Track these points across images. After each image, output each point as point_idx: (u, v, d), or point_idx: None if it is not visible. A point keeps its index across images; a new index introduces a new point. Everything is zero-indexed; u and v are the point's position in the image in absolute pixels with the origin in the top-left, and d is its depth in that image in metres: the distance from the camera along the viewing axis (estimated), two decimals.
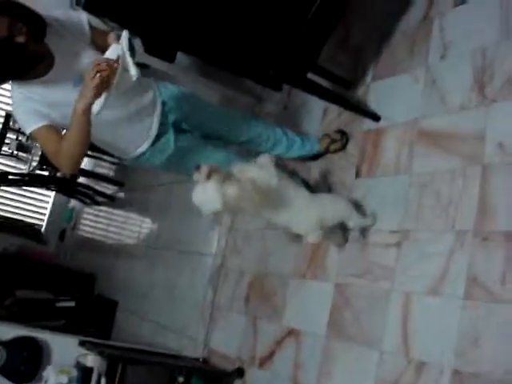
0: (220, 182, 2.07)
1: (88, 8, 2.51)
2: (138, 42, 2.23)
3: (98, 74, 1.97)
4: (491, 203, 1.97)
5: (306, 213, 2.31)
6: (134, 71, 2.05)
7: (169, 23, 2.43)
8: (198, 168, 2.10)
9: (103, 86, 2.00)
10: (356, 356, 2.35)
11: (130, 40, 2.08)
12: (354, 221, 2.41)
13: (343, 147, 2.75)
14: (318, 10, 2.26)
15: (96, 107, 2.04)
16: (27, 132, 2.27)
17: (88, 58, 2.25)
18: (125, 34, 2.07)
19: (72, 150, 2.18)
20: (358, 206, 2.46)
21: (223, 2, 2.54)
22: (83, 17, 2.37)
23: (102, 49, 2.21)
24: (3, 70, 2.17)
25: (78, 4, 2.47)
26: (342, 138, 2.74)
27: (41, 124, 2.22)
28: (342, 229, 2.49)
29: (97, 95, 2.01)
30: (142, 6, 2.39)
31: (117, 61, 2.03)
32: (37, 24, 2.17)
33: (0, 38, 2.06)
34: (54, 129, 2.24)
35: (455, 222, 2.08)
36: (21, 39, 2.10)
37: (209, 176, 2.08)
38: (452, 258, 2.05)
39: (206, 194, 2.09)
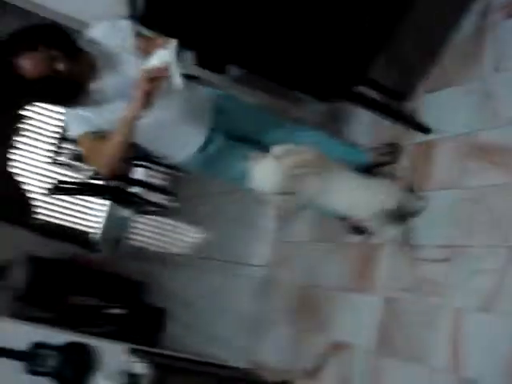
0: (276, 158, 2.06)
1: (144, 23, 2.57)
2: (186, 53, 2.26)
3: (149, 82, 2.02)
4: None
5: (365, 194, 2.28)
6: (179, 81, 2.05)
7: (222, 37, 2.47)
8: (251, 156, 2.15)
9: (154, 93, 2.05)
10: (405, 372, 2.31)
11: (177, 47, 2.10)
12: (411, 204, 2.35)
13: (394, 160, 2.71)
14: (370, 23, 2.26)
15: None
16: (74, 136, 2.37)
17: (133, 66, 2.29)
18: (174, 42, 2.08)
19: (113, 153, 2.24)
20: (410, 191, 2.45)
21: (273, 14, 2.57)
22: (126, 26, 2.42)
23: (146, 53, 2.23)
24: (57, 100, 2.29)
25: (133, 18, 2.53)
26: (393, 151, 2.71)
27: (86, 129, 2.30)
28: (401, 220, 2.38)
29: (147, 103, 2.06)
30: (196, 20, 2.43)
31: (165, 68, 2.05)
32: (68, 43, 2.25)
33: (43, 75, 2.15)
34: (99, 135, 2.30)
35: (508, 237, 2.03)
36: (60, 67, 2.18)
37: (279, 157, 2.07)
38: (505, 274, 1.99)
39: (266, 170, 2.08)
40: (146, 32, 2.37)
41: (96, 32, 2.39)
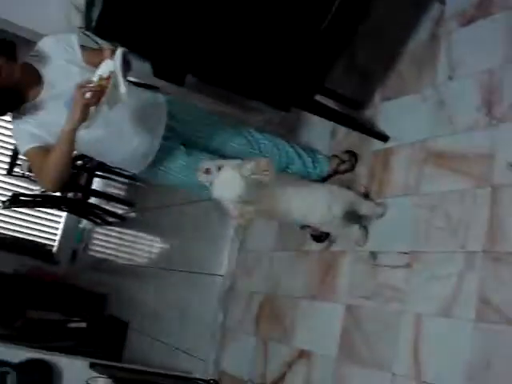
0: (234, 168, 2.11)
1: (98, 33, 2.54)
2: (134, 62, 2.25)
3: (85, 95, 2.00)
4: (502, 223, 1.96)
5: (316, 200, 2.38)
6: (123, 90, 2.02)
7: (178, 47, 2.45)
8: (204, 169, 2.18)
9: (89, 106, 2.03)
10: (367, 378, 2.32)
11: (125, 56, 2.08)
12: (365, 207, 2.47)
13: (352, 168, 2.74)
14: (326, 32, 2.28)
15: (85, 124, 2.07)
16: (21, 153, 2.34)
17: (80, 78, 2.24)
18: (119, 51, 2.06)
19: (55, 167, 2.21)
20: (366, 196, 2.57)
21: (232, 25, 2.57)
22: (74, 40, 2.41)
23: (93, 66, 2.22)
24: None
25: (87, 29, 2.50)
26: (351, 159, 2.74)
27: (32, 145, 2.28)
28: (358, 222, 2.51)
29: (84, 116, 2.04)
30: (152, 30, 2.41)
31: (108, 78, 2.03)
32: (6, 47, 2.23)
33: None
34: (44, 149, 2.26)
35: (466, 242, 2.07)
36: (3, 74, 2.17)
37: (219, 168, 2.14)
38: (463, 280, 2.03)
39: (226, 181, 2.12)
40: (92, 45, 2.35)
41: (45, 45, 2.36)
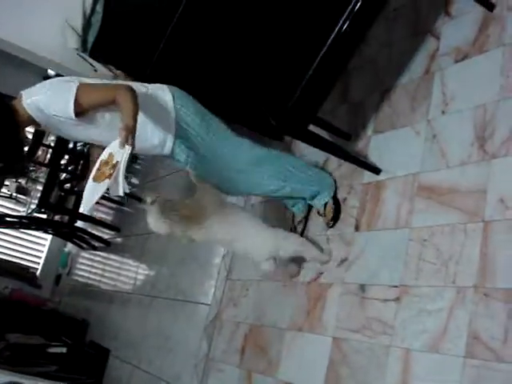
0: (161, 210, 2.40)
1: (94, 55, 2.54)
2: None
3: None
4: (492, 259, 1.95)
5: (260, 242, 2.61)
6: (121, 188, 2.08)
7: (172, 72, 2.47)
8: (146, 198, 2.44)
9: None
10: None
11: (132, 155, 2.15)
12: (309, 256, 2.71)
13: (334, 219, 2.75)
14: (320, 64, 2.29)
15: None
16: (71, 103, 2.20)
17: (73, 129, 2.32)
18: (128, 148, 2.10)
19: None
20: (315, 243, 2.74)
21: (228, 55, 2.59)
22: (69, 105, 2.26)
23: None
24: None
25: (83, 51, 2.50)
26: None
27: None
28: (298, 262, 2.79)
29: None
30: (146, 55, 2.43)
31: (114, 165, 2.12)
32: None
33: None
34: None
35: (456, 277, 2.05)
36: None
37: (152, 203, 2.41)
38: (452, 315, 2.01)
39: (152, 219, 2.43)
40: (87, 66, 2.35)
41: (39, 100, 2.26)
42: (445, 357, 1.98)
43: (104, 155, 2.24)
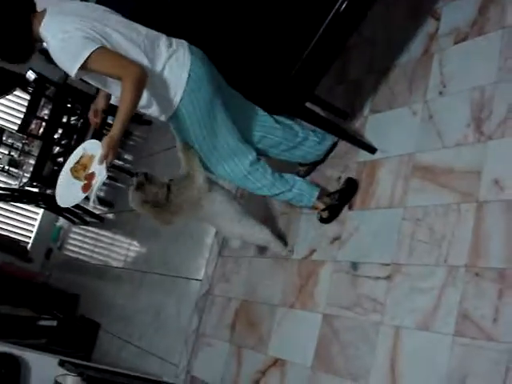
0: (141, 196, 2.47)
1: None
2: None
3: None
4: (484, 239, 1.96)
5: (231, 226, 2.78)
6: (91, 202, 2.20)
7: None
8: (136, 174, 2.48)
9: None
10: None
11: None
12: (271, 248, 2.93)
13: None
14: (319, 41, 2.29)
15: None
16: (76, 66, 2.15)
17: None
18: (105, 171, 2.19)
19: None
20: (281, 237, 2.92)
21: (229, 28, 2.59)
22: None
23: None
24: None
25: None
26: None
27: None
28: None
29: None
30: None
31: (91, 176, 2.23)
32: None
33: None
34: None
35: (448, 257, 2.07)
36: None
37: (137, 187, 2.45)
38: (443, 293, 2.03)
39: (131, 199, 2.50)
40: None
41: (49, 40, 2.23)
42: (434, 334, 2.00)
43: (85, 150, 2.33)
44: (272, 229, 2.89)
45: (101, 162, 2.19)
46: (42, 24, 2.22)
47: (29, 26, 2.24)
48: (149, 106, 2.38)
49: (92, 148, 2.29)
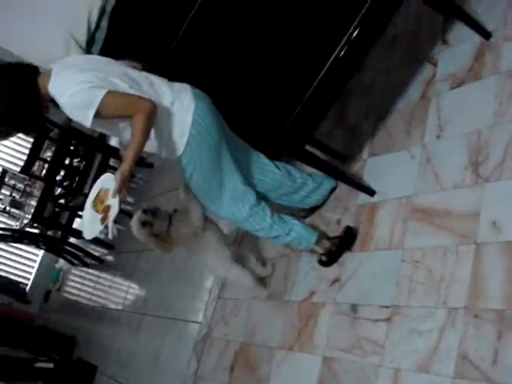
0: (147, 231, 2.68)
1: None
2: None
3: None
4: (483, 281, 1.97)
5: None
6: (110, 234, 2.26)
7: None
8: (144, 212, 2.67)
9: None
10: None
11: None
12: (250, 291, 3.10)
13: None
14: (318, 87, 2.34)
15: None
16: (91, 116, 2.21)
17: None
18: (117, 204, 2.24)
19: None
20: (262, 281, 3.06)
21: (229, 71, 2.64)
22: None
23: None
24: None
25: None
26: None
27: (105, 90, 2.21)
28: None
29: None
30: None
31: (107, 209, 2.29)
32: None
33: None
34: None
35: (447, 298, 2.07)
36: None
37: (144, 224, 2.66)
38: (443, 335, 2.02)
39: (134, 230, 2.72)
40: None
41: (60, 97, 2.29)
42: (434, 377, 1.99)
43: (103, 185, 2.40)
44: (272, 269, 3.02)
45: (114, 195, 2.24)
46: (50, 83, 2.28)
47: (36, 90, 2.29)
48: (157, 144, 2.41)
49: (108, 182, 2.35)
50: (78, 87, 2.21)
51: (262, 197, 2.70)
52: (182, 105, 2.36)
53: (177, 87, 2.41)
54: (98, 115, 2.20)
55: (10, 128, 2.40)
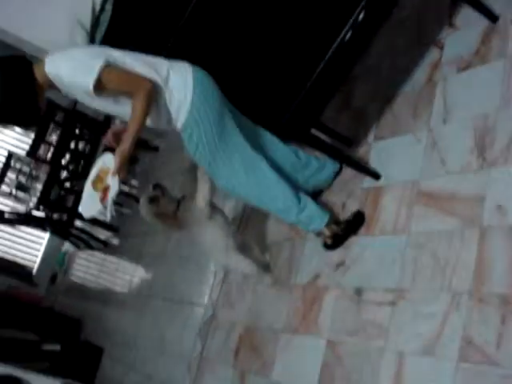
0: (154, 208, 2.75)
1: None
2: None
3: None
4: (488, 265, 1.97)
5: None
6: (108, 215, 2.30)
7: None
8: (154, 187, 2.75)
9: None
10: None
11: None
12: (253, 277, 3.15)
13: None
14: (323, 70, 2.33)
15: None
16: (92, 84, 2.20)
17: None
18: (117, 184, 2.27)
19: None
20: (266, 267, 3.10)
21: (235, 59, 2.64)
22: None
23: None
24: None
25: (92, 42, 2.54)
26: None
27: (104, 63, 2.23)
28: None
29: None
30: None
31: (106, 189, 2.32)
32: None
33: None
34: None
35: (451, 282, 2.08)
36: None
37: (152, 199, 2.73)
38: (447, 319, 2.03)
39: (141, 210, 2.78)
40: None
41: (60, 68, 2.30)
42: (438, 360, 2.00)
43: (103, 164, 2.41)
44: (276, 255, 2.95)
45: (113, 176, 2.27)
46: (46, 63, 2.27)
47: (31, 78, 2.28)
48: (162, 116, 2.41)
49: (109, 161, 2.35)
50: (79, 58, 2.26)
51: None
52: (180, 70, 2.39)
53: (173, 60, 2.44)
54: (99, 87, 2.21)
55: (8, 122, 2.41)
